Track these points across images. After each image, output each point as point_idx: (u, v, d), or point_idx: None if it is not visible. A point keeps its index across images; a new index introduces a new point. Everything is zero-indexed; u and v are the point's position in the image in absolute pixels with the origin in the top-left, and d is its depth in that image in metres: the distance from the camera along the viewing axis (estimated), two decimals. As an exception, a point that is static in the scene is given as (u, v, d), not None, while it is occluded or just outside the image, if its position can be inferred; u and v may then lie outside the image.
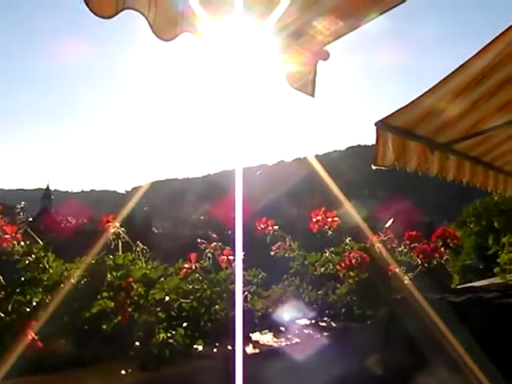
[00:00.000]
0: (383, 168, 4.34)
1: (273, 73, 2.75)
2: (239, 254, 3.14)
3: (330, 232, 4.40)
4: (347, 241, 4.43)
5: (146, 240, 3.45)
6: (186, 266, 3.35)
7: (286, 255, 4.32)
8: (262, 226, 4.36)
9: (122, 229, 3.41)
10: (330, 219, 4.40)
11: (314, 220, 4.42)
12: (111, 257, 3.06)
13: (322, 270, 4.29)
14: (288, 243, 4.33)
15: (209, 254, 3.60)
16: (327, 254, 4.36)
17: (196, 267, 3.37)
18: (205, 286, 3.32)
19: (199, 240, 3.67)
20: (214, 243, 3.66)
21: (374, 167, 4.32)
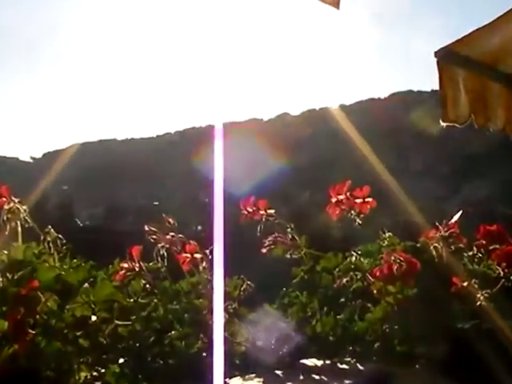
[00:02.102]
0: (457, 125, 4.30)
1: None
2: (219, 249, 3.12)
3: (358, 221, 4.43)
4: (386, 236, 4.48)
5: (65, 236, 3.48)
6: (125, 265, 3.39)
7: (287, 255, 4.36)
8: (250, 210, 4.36)
9: (24, 207, 3.45)
10: (358, 200, 4.41)
11: (334, 201, 4.42)
12: (5, 251, 3.11)
13: (345, 281, 4.33)
14: (289, 236, 4.36)
15: (162, 251, 3.63)
16: (353, 257, 4.39)
17: (141, 269, 3.41)
18: (155, 300, 3.37)
19: (147, 228, 3.70)
20: (171, 234, 3.70)
21: (442, 124, 4.29)
